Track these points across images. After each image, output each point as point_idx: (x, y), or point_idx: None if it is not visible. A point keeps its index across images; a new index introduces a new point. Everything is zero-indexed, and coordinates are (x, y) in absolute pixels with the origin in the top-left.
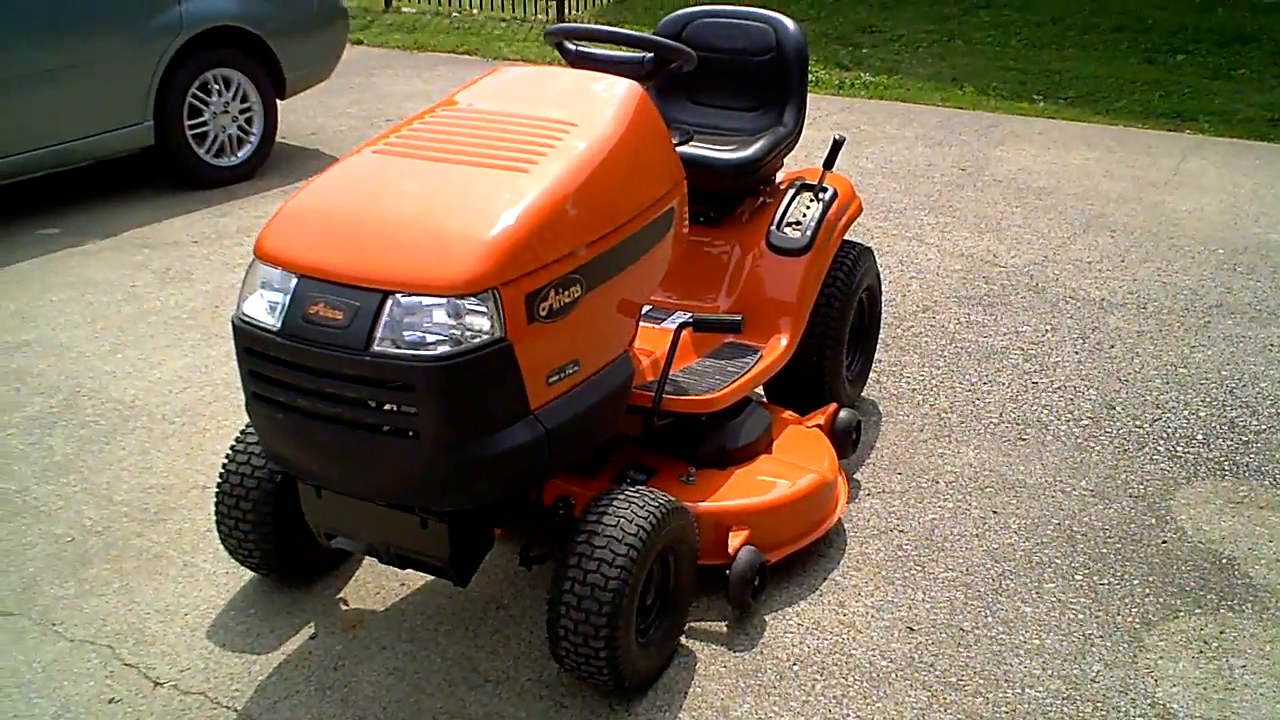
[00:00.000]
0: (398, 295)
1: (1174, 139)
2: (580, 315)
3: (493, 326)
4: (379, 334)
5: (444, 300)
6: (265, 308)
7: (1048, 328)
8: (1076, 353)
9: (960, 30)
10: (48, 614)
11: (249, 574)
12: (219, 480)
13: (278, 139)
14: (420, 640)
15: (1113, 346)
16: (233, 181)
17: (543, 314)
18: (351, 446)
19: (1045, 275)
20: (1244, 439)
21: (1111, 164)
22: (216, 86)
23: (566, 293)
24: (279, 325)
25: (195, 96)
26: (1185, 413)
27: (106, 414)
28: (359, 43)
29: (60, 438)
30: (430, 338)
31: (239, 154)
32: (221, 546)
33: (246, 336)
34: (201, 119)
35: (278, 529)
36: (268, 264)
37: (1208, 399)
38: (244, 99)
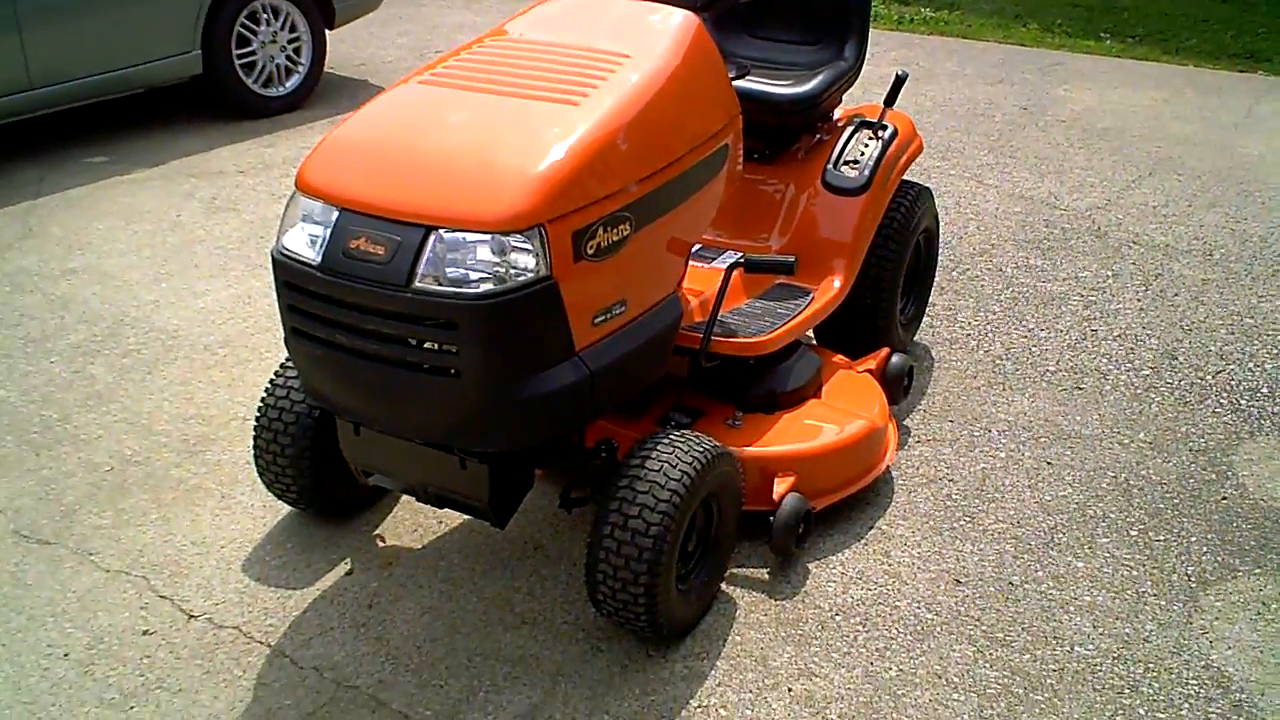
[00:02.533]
0: (441, 231)
1: (1246, 80)
2: (629, 254)
3: (538, 265)
4: (421, 270)
5: (488, 237)
6: (306, 241)
7: (1109, 273)
8: (1139, 300)
9: None
10: (85, 543)
11: (286, 508)
12: (257, 414)
13: (326, 69)
14: (456, 580)
15: (1176, 294)
16: (280, 112)
17: (590, 252)
18: (391, 384)
19: (1108, 219)
20: None
21: (1180, 105)
22: (265, 15)
23: (615, 230)
24: (319, 259)
25: (244, 25)
26: (1250, 364)
27: (149, 343)
28: None
29: (103, 366)
30: (474, 275)
31: (287, 84)
32: (259, 480)
33: (286, 270)
34: (250, 48)
35: (315, 464)
36: (309, 196)
37: (1275, 351)
38: (292, 28)
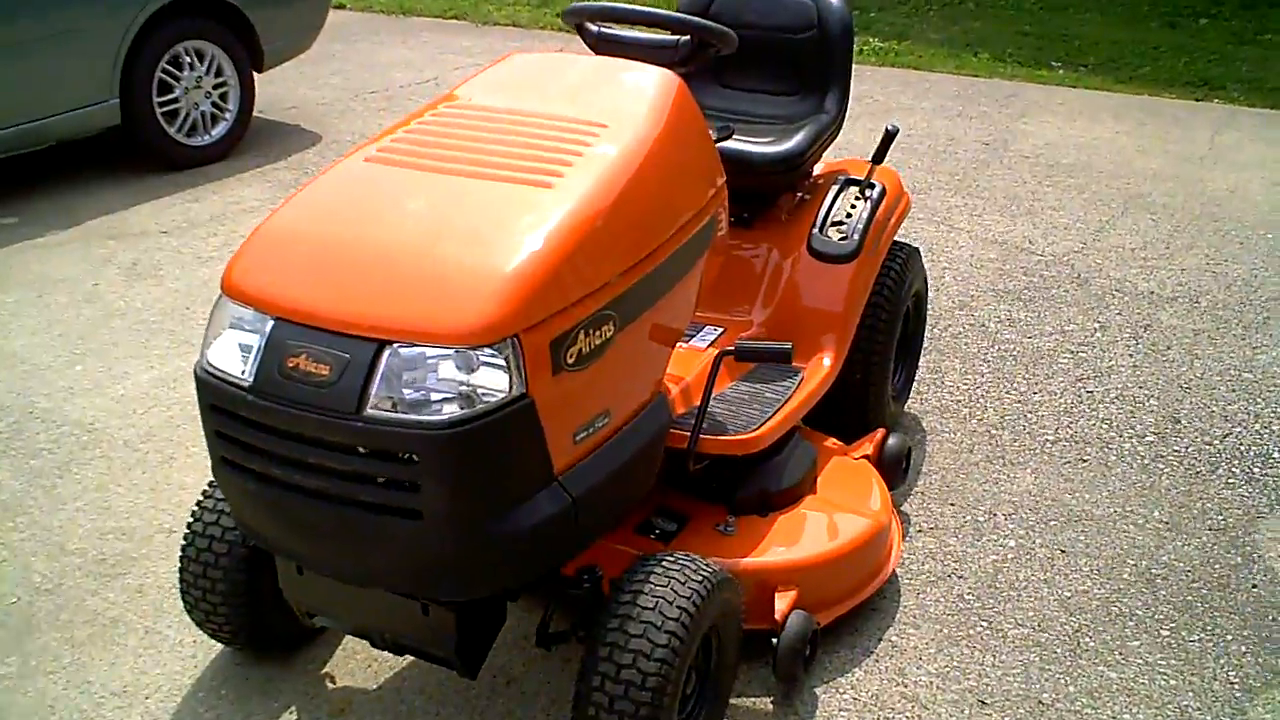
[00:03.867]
0: (396, 345)
1: (1204, 109)
2: (613, 357)
3: (511, 382)
4: (374, 393)
5: (452, 351)
6: (235, 356)
7: (1096, 325)
8: (1131, 355)
9: None
10: None
11: (219, 644)
12: (183, 542)
13: (255, 114)
14: None
15: (1169, 348)
16: (206, 162)
17: (570, 362)
18: (340, 526)
19: (1087, 264)
20: None
21: (1143, 138)
22: (188, 60)
23: (598, 333)
24: (251, 379)
25: (165, 71)
26: (1257, 426)
27: (61, 440)
28: (341, 6)
29: (8, 471)
30: (436, 397)
31: (213, 132)
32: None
33: (212, 391)
34: (172, 95)
35: (251, 600)
36: (237, 302)
37: (1279, 409)
38: (218, 73)
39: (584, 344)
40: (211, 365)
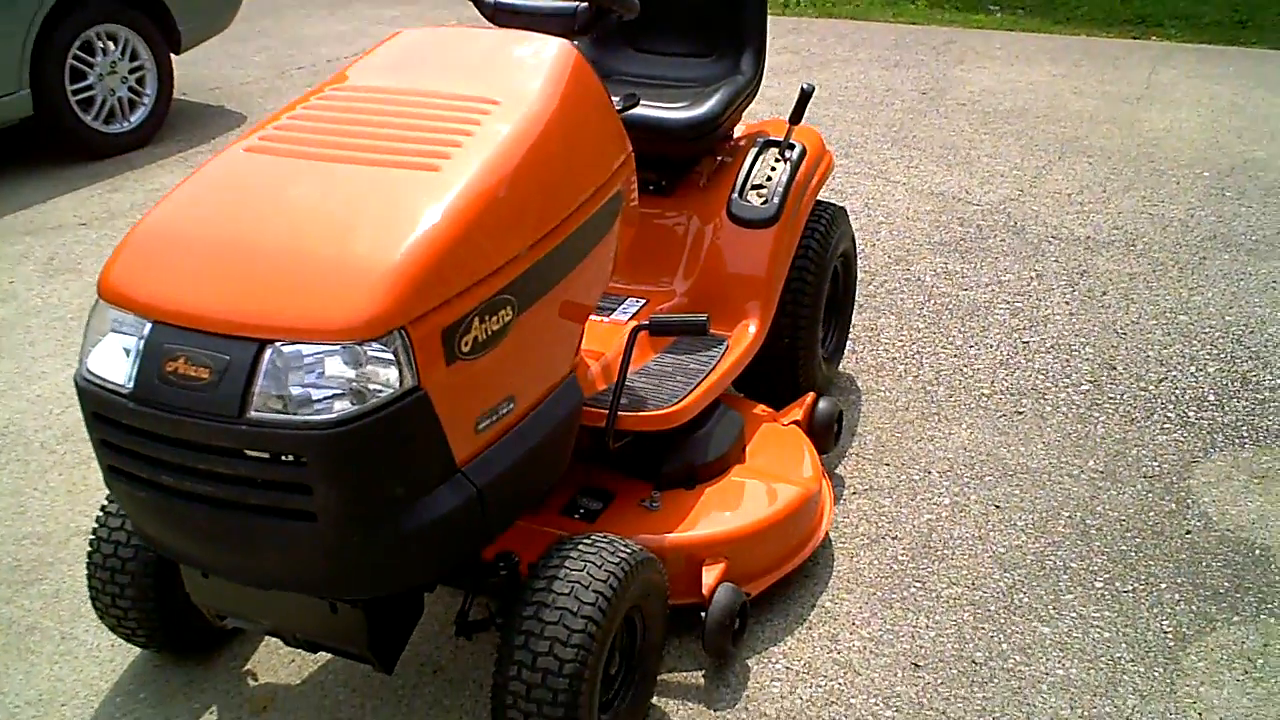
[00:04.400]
0: (278, 344)
1: (1141, 48)
2: (514, 341)
3: (402, 376)
4: (256, 394)
5: (338, 348)
6: (115, 362)
7: (1032, 274)
8: (1067, 303)
9: None
10: None
11: (137, 648)
12: (89, 548)
13: (176, 96)
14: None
15: (1104, 293)
16: (126, 150)
17: (465, 350)
18: (234, 531)
19: (1023, 212)
20: (1259, 397)
21: (1079, 79)
22: (101, 44)
23: (494, 318)
24: (131, 386)
25: (77, 58)
26: (1192, 369)
27: None
28: None
29: None
30: (323, 395)
31: (132, 118)
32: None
33: (94, 399)
34: (86, 82)
35: (163, 602)
36: (114, 306)
37: (1215, 351)
38: (134, 56)
39: (479, 331)
40: (91, 373)
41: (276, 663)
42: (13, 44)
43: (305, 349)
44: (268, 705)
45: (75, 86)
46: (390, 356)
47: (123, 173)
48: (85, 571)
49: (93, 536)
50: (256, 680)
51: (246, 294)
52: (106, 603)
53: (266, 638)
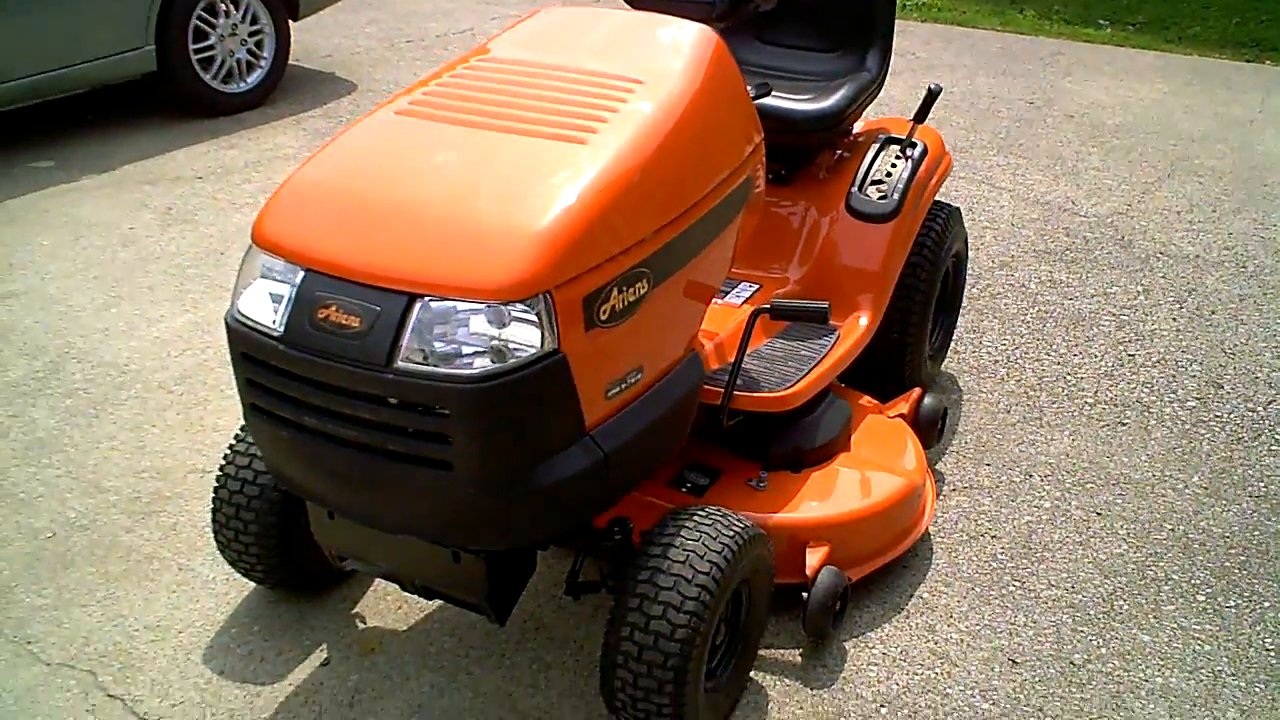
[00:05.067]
0: (427, 299)
1: (1254, 71)
2: (647, 314)
3: (543, 338)
4: (404, 346)
5: (484, 306)
6: (266, 306)
7: (1139, 289)
8: (1174, 319)
9: None
10: (23, 628)
11: (252, 583)
12: (216, 483)
13: (291, 62)
14: (448, 670)
15: (1213, 312)
16: (241, 109)
17: (603, 318)
18: (371, 476)
19: (1131, 226)
20: None
21: (1190, 98)
22: (224, 7)
23: (632, 290)
24: (282, 329)
25: (201, 18)
26: None
27: (97, 380)
28: None
29: (44, 409)
30: (467, 351)
31: (248, 79)
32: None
33: (243, 340)
34: (208, 42)
35: (283, 542)
36: (268, 253)
37: None
38: (254, 20)
39: (617, 301)
40: (243, 314)
41: (385, 607)
42: (141, 3)
43: (453, 305)
44: (375, 648)
45: (197, 46)
46: (533, 319)
47: (237, 131)
48: (210, 506)
49: (219, 474)
50: (365, 623)
51: (398, 249)
52: (229, 537)
53: (375, 583)
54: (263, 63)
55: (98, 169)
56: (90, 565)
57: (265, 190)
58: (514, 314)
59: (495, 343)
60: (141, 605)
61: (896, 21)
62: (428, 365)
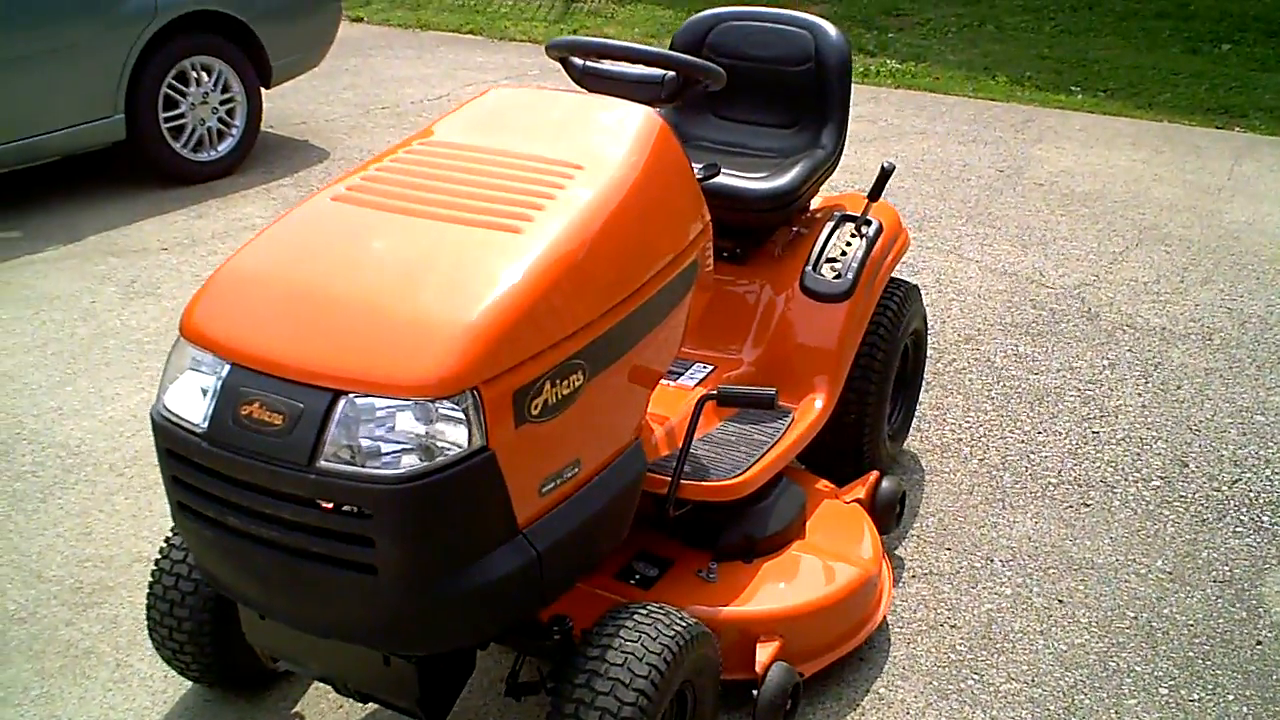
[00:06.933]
0: (351, 395)
1: (1224, 138)
2: (584, 405)
3: (471, 435)
4: (327, 444)
5: (410, 403)
6: (192, 401)
7: (1105, 363)
8: (1140, 395)
9: (991, 14)
10: None
11: (189, 681)
12: (151, 578)
13: (263, 129)
14: None
15: (1179, 387)
16: (212, 178)
17: (534, 413)
18: (295, 578)
19: (1098, 298)
20: None
21: (1160, 166)
22: (195, 75)
23: (566, 382)
24: (205, 426)
25: (172, 86)
26: (1268, 471)
27: (47, 463)
28: (359, 20)
29: None
30: (392, 450)
31: (219, 147)
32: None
33: (168, 436)
34: (178, 110)
35: (218, 639)
36: (194, 345)
37: None
38: (225, 88)
39: (550, 394)
40: (168, 409)
41: (326, 707)
42: (111, 72)
43: (378, 402)
44: None
45: (167, 114)
46: (461, 415)
47: (206, 200)
48: (145, 601)
49: (155, 568)
50: None
51: (324, 343)
52: (164, 634)
53: (316, 683)
54: (234, 131)
55: (64, 239)
56: (27, 661)
57: None
58: (441, 411)
59: (422, 440)
60: (77, 704)
61: (873, 88)
62: (351, 465)
